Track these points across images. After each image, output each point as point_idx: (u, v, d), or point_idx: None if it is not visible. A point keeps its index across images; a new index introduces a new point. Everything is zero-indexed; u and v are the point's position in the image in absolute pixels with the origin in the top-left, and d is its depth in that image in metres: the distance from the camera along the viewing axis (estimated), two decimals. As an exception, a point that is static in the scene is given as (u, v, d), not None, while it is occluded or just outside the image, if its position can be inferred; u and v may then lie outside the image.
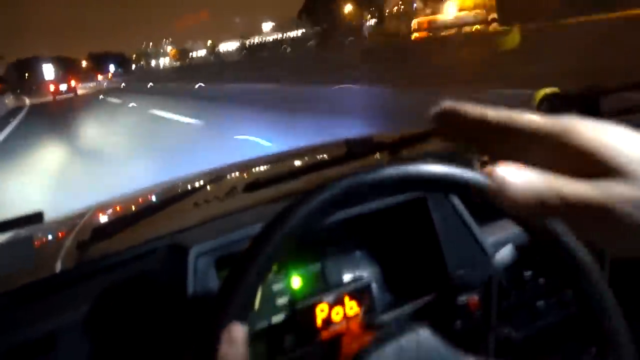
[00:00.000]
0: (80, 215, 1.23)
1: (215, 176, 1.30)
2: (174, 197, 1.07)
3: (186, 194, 1.10)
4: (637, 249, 0.36)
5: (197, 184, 1.17)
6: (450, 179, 0.56)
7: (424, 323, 0.62)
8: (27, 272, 0.84)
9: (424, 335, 0.60)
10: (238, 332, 0.51)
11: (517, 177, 0.36)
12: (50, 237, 1.18)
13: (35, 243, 0.84)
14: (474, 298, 0.72)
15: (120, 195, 1.49)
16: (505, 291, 0.77)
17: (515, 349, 0.73)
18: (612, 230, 0.36)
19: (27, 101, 42.00)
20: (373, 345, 0.60)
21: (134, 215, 0.99)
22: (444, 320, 0.72)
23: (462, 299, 0.72)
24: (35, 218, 0.87)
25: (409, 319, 0.75)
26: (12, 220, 0.84)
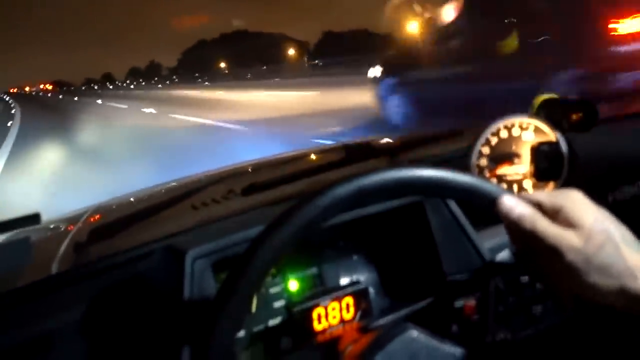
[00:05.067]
0: (78, 216, 1.22)
1: (213, 179, 1.30)
2: (171, 199, 1.07)
3: (184, 196, 1.10)
4: (578, 290, 0.51)
5: (195, 187, 1.17)
6: (451, 185, 0.56)
7: (420, 327, 0.62)
8: (23, 273, 0.84)
9: (419, 339, 0.60)
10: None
11: (519, 208, 0.54)
12: (47, 238, 1.18)
13: (33, 244, 0.84)
14: (470, 302, 0.72)
15: (118, 197, 1.49)
16: (502, 296, 0.77)
17: (512, 353, 0.73)
18: (560, 266, 0.51)
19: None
20: (369, 349, 0.60)
21: (132, 217, 0.99)
22: (441, 325, 0.72)
23: (459, 303, 0.72)
24: (33, 219, 0.87)
25: (406, 323, 0.75)
26: (9, 221, 0.84)
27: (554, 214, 0.54)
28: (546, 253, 0.52)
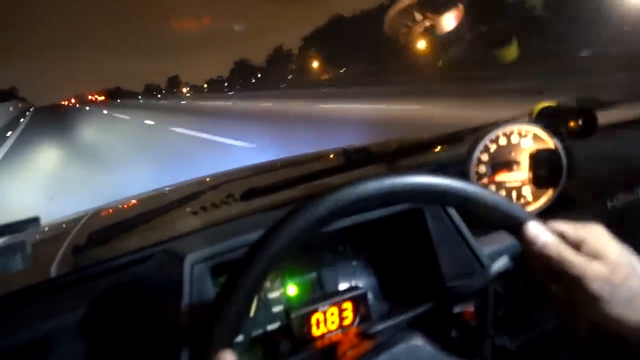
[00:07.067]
0: (77, 220, 1.22)
1: (212, 183, 1.30)
2: (170, 203, 1.07)
3: (183, 200, 1.10)
4: (599, 319, 0.52)
5: (194, 191, 1.17)
6: (478, 201, 0.57)
7: (420, 333, 0.62)
8: (22, 276, 0.84)
9: (418, 344, 0.60)
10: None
11: (544, 235, 0.55)
12: (46, 241, 1.17)
13: (31, 247, 0.84)
14: (469, 308, 0.72)
15: (117, 201, 1.49)
16: (501, 301, 0.77)
17: (511, 358, 0.73)
18: (583, 295, 0.52)
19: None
20: (368, 355, 0.60)
21: (131, 221, 0.99)
22: (440, 330, 0.72)
23: (458, 309, 0.72)
24: (32, 222, 0.87)
25: (405, 329, 0.75)
26: (8, 225, 0.84)
27: (577, 245, 0.55)
28: (570, 281, 0.53)
